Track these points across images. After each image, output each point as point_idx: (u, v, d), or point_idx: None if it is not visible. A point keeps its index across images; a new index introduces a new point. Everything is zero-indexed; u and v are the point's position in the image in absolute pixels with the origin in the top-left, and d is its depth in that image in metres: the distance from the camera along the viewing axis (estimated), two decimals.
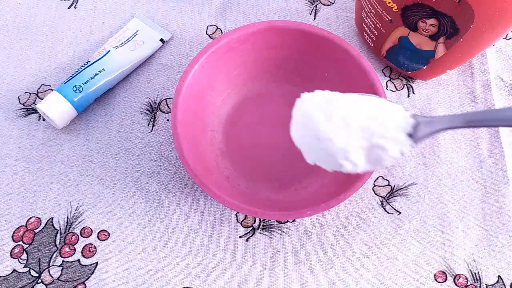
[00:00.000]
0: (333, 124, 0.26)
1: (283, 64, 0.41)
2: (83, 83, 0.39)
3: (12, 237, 0.37)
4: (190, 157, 0.34)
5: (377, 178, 0.39)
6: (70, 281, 0.36)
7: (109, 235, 0.37)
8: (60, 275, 0.36)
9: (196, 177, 0.33)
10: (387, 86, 0.43)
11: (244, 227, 0.38)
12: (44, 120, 0.41)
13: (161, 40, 0.44)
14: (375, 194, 0.39)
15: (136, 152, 0.40)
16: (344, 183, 0.34)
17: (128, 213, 0.38)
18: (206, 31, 0.45)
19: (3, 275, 0.36)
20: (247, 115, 0.41)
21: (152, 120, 0.41)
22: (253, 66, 0.41)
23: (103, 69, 0.40)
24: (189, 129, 0.36)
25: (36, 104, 0.41)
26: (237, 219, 0.38)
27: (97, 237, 0.37)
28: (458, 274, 0.36)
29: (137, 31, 0.44)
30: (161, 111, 0.42)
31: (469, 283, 0.36)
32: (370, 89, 0.36)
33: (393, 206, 0.38)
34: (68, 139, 0.40)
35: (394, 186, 0.39)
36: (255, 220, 0.38)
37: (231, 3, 0.47)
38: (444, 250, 0.37)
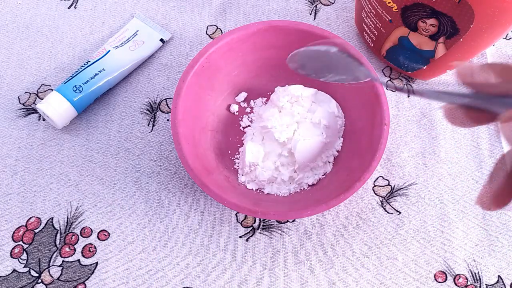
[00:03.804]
0: None
1: (283, 64, 0.40)
2: (83, 83, 0.39)
3: (12, 237, 0.37)
4: (190, 157, 0.34)
5: (377, 178, 0.39)
6: (70, 281, 0.36)
7: (109, 235, 0.37)
8: (60, 275, 0.36)
9: (196, 177, 0.33)
10: (387, 86, 0.43)
11: (244, 227, 0.38)
12: (44, 120, 0.41)
13: (161, 40, 0.44)
14: (375, 194, 0.39)
15: (136, 152, 0.40)
16: (344, 183, 0.34)
17: (128, 213, 0.38)
18: (206, 31, 0.45)
19: (3, 275, 0.36)
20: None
21: (152, 120, 0.41)
22: (253, 66, 0.41)
23: (103, 69, 0.40)
24: (189, 129, 0.36)
25: (36, 104, 0.41)
26: (237, 219, 0.38)
27: (97, 237, 0.37)
28: (458, 274, 0.36)
29: (137, 31, 0.44)
30: (161, 111, 0.42)
31: (469, 283, 0.36)
32: (370, 89, 0.36)
33: (393, 206, 0.38)
34: (68, 139, 0.40)
35: (394, 186, 0.39)
36: (255, 220, 0.38)
37: (231, 3, 0.47)
38: (444, 250, 0.37)
